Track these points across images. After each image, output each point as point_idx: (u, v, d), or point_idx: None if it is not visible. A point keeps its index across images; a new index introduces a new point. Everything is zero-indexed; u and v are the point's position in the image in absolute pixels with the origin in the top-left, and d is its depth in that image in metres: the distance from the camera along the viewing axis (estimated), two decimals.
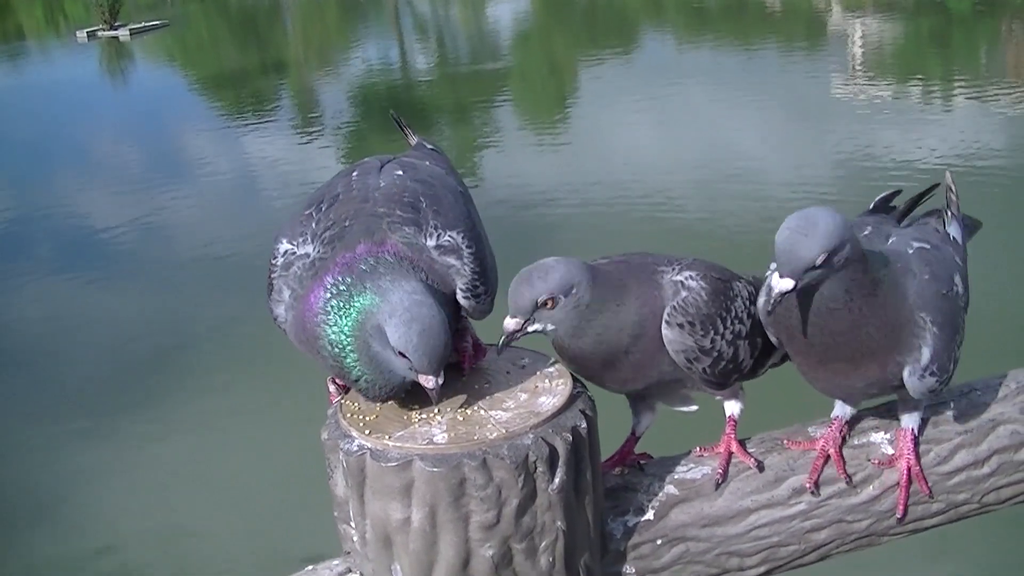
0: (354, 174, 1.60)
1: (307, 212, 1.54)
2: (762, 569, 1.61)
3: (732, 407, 1.65)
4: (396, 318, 1.36)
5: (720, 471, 1.59)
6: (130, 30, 25.57)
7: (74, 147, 14.03)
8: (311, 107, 16.12)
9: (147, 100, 17.96)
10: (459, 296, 1.49)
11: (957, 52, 15.66)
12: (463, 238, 1.50)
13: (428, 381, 1.39)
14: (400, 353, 1.37)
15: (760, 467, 1.59)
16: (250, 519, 4.91)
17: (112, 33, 25.42)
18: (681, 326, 1.47)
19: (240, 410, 5.95)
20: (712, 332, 1.50)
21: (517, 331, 1.44)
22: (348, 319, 1.40)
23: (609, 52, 17.82)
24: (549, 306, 1.42)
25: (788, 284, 1.36)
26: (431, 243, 1.48)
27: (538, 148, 11.78)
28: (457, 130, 13.58)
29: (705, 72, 14.98)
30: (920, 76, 13.47)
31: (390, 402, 1.45)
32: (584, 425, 1.39)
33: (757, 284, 1.63)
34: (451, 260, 1.48)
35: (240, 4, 34.00)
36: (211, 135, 14.00)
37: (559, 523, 1.37)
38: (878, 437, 1.66)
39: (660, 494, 1.58)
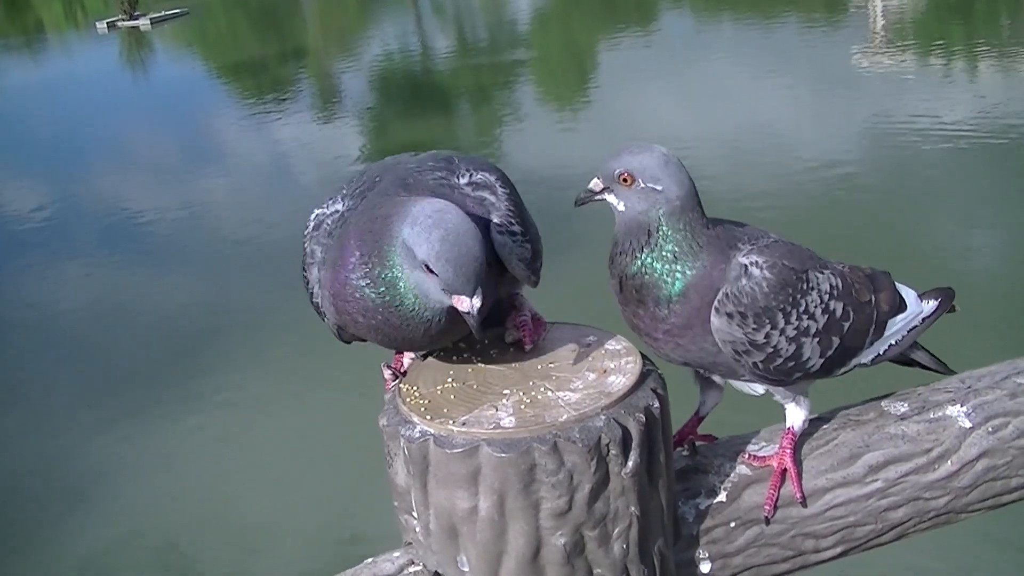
0: (389, 157, 1.57)
1: (341, 186, 1.52)
2: (838, 550, 1.54)
3: (793, 415, 1.52)
4: (418, 226, 1.25)
5: (769, 504, 1.47)
6: (151, 19, 25.63)
7: (103, 137, 14.12)
8: (332, 92, 16.10)
9: (171, 88, 18.01)
10: (493, 233, 1.38)
11: (979, 20, 15.45)
12: (496, 178, 1.45)
13: (461, 303, 1.27)
14: (428, 268, 1.26)
15: (804, 503, 1.49)
16: (304, 509, 4.88)
17: (132, 23, 25.50)
18: (730, 316, 1.36)
19: (289, 397, 5.93)
20: (768, 326, 1.38)
21: (596, 192, 1.41)
22: (391, 253, 1.30)
23: (630, 30, 17.69)
24: (627, 182, 1.37)
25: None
26: (463, 181, 1.43)
27: (561, 128, 11.71)
28: (478, 112, 13.51)
29: (726, 47, 14.86)
30: (942, 44, 13.33)
31: (451, 384, 1.38)
32: (656, 405, 1.32)
33: (851, 276, 1.52)
34: (484, 194, 1.42)
35: None
36: (235, 122, 14.06)
37: (633, 508, 1.30)
38: (954, 410, 1.58)
39: (732, 475, 1.51)
